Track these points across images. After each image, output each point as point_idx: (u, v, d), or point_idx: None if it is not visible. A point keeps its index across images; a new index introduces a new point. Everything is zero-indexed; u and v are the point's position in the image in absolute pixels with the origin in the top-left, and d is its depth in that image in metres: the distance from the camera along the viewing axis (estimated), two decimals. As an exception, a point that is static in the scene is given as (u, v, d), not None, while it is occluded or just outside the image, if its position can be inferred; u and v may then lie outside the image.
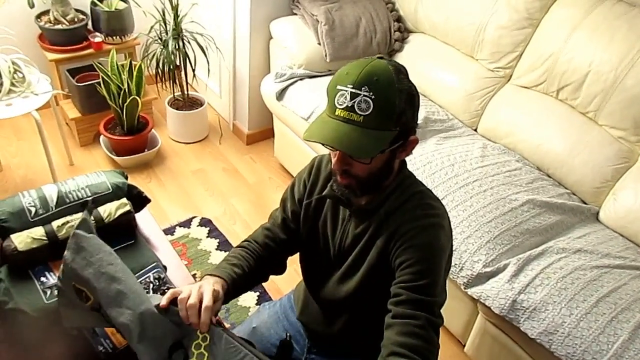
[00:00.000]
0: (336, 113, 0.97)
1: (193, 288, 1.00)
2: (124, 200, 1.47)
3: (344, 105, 0.96)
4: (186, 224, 2.44)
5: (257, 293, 2.14)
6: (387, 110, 0.96)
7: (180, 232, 2.39)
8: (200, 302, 0.97)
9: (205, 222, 2.46)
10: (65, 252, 1.10)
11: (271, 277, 1.32)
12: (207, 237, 2.38)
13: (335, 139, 0.96)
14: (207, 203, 2.60)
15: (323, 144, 0.99)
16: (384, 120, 0.97)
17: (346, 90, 0.96)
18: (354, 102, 0.95)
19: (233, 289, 1.14)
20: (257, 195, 2.67)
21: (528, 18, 2.16)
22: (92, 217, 1.40)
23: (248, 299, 2.12)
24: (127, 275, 1.04)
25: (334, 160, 1.04)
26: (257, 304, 2.09)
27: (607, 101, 1.94)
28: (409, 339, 0.97)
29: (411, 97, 1.00)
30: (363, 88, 0.95)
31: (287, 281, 2.06)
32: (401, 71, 1.00)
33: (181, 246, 2.31)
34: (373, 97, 0.95)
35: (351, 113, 0.96)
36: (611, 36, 1.93)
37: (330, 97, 0.99)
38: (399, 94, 0.97)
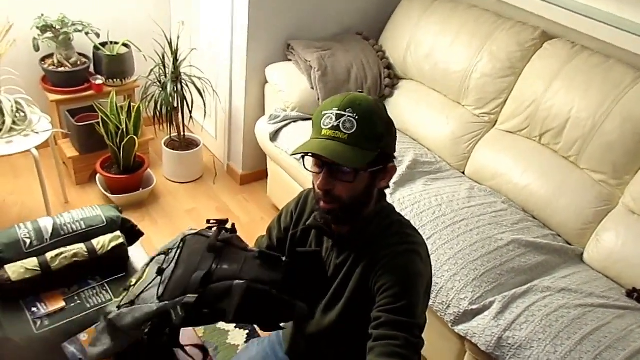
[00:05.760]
0: (322, 133, 1.05)
1: None
2: (118, 233, 1.50)
3: (330, 125, 1.04)
4: (178, 261, 2.45)
5: (247, 331, 2.14)
6: (369, 131, 1.05)
7: (171, 269, 2.40)
8: None
9: (197, 261, 2.47)
10: None
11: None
12: (199, 275, 2.39)
13: (322, 149, 1.03)
14: (200, 242, 2.62)
15: (311, 155, 1.06)
16: (366, 140, 1.05)
17: (332, 113, 1.05)
18: (339, 122, 1.04)
19: None
20: (250, 235, 2.64)
21: (510, 67, 2.27)
22: (86, 249, 1.44)
23: (237, 336, 2.12)
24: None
25: (318, 182, 1.09)
26: (246, 342, 2.09)
27: (587, 146, 2.02)
28: (389, 359, 0.99)
29: (389, 125, 1.10)
30: (347, 110, 1.04)
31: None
32: (379, 102, 1.10)
33: (172, 284, 2.31)
34: (356, 117, 1.04)
35: (336, 132, 1.04)
36: (588, 86, 2.03)
37: (316, 122, 1.07)
38: (379, 119, 1.07)
